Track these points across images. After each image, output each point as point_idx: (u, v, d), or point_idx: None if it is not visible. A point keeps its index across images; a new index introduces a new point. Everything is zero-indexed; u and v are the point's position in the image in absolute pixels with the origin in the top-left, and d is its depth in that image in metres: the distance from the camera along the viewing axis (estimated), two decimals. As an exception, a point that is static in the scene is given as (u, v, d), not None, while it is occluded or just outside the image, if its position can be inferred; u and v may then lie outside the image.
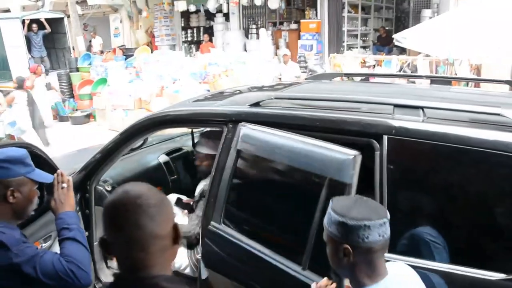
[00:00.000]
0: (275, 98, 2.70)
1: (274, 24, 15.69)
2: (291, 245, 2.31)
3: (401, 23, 16.57)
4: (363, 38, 15.50)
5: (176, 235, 1.27)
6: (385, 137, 2.21)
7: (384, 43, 14.87)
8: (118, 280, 1.26)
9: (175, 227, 1.27)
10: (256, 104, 2.67)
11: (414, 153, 2.23)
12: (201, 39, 16.48)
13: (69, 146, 8.45)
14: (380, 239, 1.49)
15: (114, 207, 1.23)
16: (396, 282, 1.56)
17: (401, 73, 7.71)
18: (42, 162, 2.46)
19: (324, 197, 2.04)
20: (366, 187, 2.18)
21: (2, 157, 1.84)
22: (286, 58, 11.46)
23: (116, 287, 1.25)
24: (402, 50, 11.62)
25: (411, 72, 7.97)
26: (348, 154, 2.04)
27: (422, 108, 2.30)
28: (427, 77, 3.83)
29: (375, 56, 10.58)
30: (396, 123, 2.23)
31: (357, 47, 14.56)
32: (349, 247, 1.50)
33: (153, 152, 4.15)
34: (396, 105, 2.37)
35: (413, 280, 1.67)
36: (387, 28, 15.76)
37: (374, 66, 9.31)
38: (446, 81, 3.56)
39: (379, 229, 1.49)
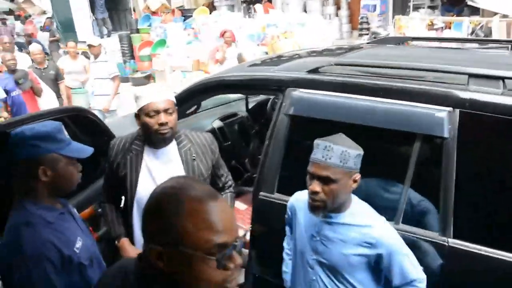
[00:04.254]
0: (335, 64, 2.53)
1: (336, -18, 14.96)
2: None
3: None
4: (431, -2, 14.49)
5: None
6: (457, 111, 2.03)
7: (454, 3, 13.81)
8: None
9: None
10: (315, 71, 2.52)
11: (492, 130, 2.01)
12: (260, -1, 16.08)
13: (131, 108, 8.65)
14: None
15: None
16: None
17: (475, 37, 7.13)
18: (96, 127, 2.45)
19: (417, 154, 2.09)
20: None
21: (29, 133, 1.71)
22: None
23: None
24: (474, 11, 10.74)
25: (485, 36, 7.35)
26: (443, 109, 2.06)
27: (502, 78, 2.05)
28: (507, 41, 3.45)
29: (444, 18, 9.89)
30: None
31: (424, 8, 13.65)
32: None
33: (207, 117, 4.09)
34: (471, 75, 2.13)
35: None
36: (458, -14, 14.61)
37: (442, 28, 8.69)
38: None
39: None
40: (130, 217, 2.29)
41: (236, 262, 1.07)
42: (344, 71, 2.49)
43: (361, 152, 1.80)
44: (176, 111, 2.25)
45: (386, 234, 1.85)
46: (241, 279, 3.03)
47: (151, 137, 2.22)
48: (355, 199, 1.94)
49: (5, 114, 5.51)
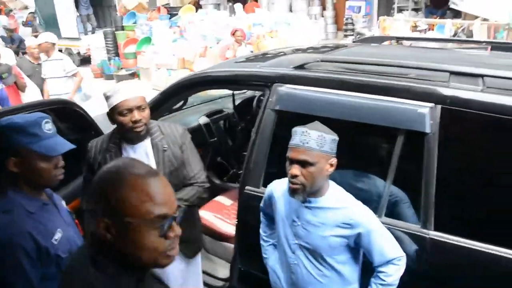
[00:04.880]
0: (321, 61, 2.57)
1: (322, -17, 15.08)
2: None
3: (457, -16, 15.52)
4: (415, 0, 14.69)
5: None
6: (439, 107, 2.08)
7: (437, 6, 14.04)
8: None
9: None
10: (301, 67, 2.55)
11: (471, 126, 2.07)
12: (246, -2, 16.09)
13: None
14: None
15: None
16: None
17: (457, 38, 7.27)
18: (83, 120, 2.44)
19: (400, 149, 2.12)
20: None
21: (3, 124, 1.72)
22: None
23: None
24: (456, 14, 10.94)
25: (467, 38, 7.50)
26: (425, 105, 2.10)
27: (482, 76, 2.11)
28: (486, 42, 3.54)
29: (427, 20, 10.03)
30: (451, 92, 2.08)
31: (408, 10, 13.84)
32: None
33: (194, 114, 4.10)
34: (452, 72, 2.19)
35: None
36: (441, -11, 14.83)
37: (426, 30, 8.84)
38: (509, 47, 3.28)
39: None
40: None
41: (176, 232, 1.19)
42: (330, 67, 2.53)
43: (336, 137, 1.91)
44: (148, 106, 2.28)
45: (364, 214, 1.96)
46: (225, 272, 3.06)
47: (126, 134, 2.25)
48: (332, 184, 2.03)
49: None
